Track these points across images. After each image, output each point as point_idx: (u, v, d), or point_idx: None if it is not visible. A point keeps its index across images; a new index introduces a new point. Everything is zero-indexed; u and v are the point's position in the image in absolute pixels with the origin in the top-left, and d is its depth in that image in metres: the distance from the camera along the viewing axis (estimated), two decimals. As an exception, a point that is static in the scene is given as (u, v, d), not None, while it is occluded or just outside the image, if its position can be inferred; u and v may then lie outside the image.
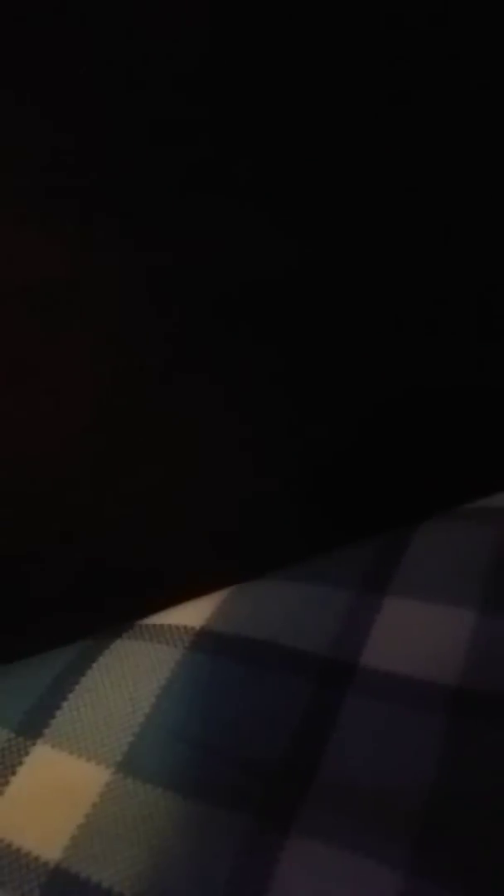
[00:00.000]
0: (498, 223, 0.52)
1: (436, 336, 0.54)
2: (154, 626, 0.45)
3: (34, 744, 0.39)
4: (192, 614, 0.46)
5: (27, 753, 0.39)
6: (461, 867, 0.31)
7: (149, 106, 0.43)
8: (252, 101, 0.45)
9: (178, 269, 0.47)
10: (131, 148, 0.44)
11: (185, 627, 0.44)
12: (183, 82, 0.43)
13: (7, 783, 0.38)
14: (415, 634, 0.41)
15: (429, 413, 0.54)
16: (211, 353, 0.50)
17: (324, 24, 0.44)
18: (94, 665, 0.43)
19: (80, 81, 0.42)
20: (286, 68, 0.45)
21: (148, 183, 0.45)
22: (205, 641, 0.43)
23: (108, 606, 0.49)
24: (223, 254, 0.48)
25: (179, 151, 0.45)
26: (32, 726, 0.40)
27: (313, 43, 0.45)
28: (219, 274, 0.48)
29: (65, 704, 0.41)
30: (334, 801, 0.35)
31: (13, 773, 0.38)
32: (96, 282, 0.46)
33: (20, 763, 0.38)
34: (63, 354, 0.47)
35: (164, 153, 0.45)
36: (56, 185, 0.44)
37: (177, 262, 0.47)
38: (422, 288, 0.52)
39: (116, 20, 0.41)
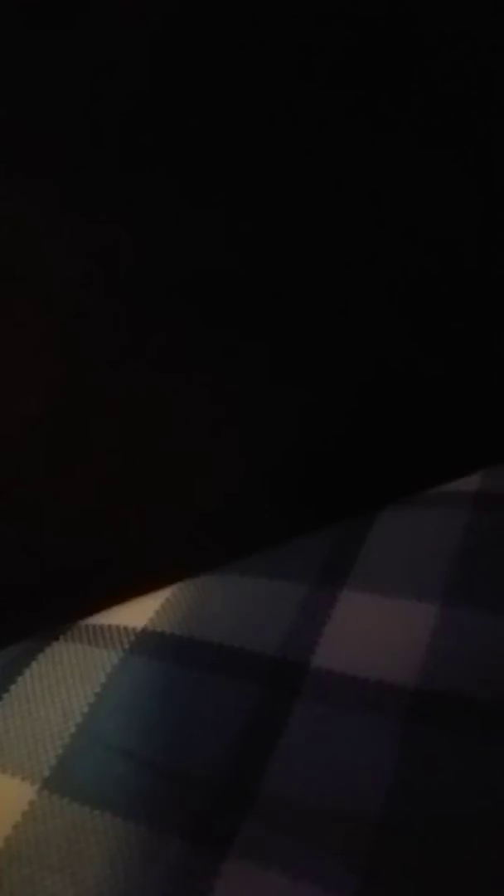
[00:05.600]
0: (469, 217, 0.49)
1: (398, 323, 0.50)
2: (94, 626, 0.42)
3: (-45, 758, 0.36)
4: (137, 613, 0.42)
5: None
6: (412, 894, 0.28)
7: (102, 92, 0.40)
8: (207, 89, 0.42)
9: (138, 253, 0.44)
10: (88, 131, 0.41)
11: (126, 628, 0.41)
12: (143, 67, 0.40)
13: None
14: (372, 631, 0.38)
15: (394, 396, 0.51)
16: (169, 343, 0.47)
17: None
18: (27, 670, 0.40)
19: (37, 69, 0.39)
20: (248, 62, 0.42)
21: (97, 166, 0.42)
22: (146, 643, 0.40)
23: (52, 605, 0.46)
24: (186, 237, 0.44)
25: (133, 135, 0.42)
26: (-45, 739, 0.37)
27: (267, 32, 0.41)
28: (185, 258, 0.45)
29: (-9, 714, 0.38)
30: (278, 819, 0.31)
31: None
32: (46, 263, 0.43)
33: None
34: (12, 337, 0.44)
35: (114, 136, 0.41)
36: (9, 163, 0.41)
37: (136, 246, 0.44)
38: (377, 276, 0.49)
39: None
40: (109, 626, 0.41)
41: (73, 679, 0.39)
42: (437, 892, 0.28)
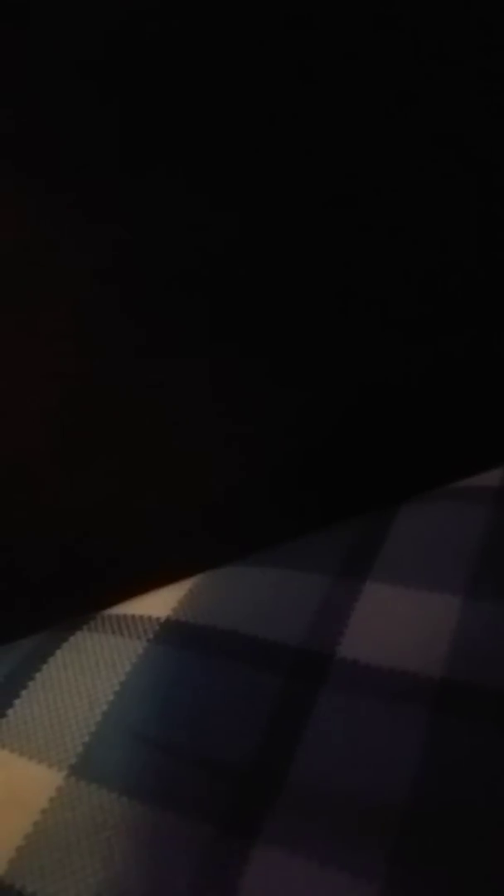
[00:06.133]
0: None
1: (401, 322, 0.51)
2: (117, 616, 0.42)
3: (-19, 745, 0.36)
4: (159, 603, 0.42)
5: (-27, 756, 0.36)
6: (440, 881, 0.28)
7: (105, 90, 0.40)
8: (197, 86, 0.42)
9: (138, 255, 0.44)
10: (89, 131, 0.41)
11: (149, 618, 0.41)
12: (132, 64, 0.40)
13: (-50, 789, 0.34)
14: (396, 623, 0.38)
15: (414, 391, 0.51)
16: (182, 339, 0.47)
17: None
18: (51, 659, 0.40)
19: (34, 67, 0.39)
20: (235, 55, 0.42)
21: (98, 165, 0.42)
22: (170, 633, 0.40)
23: (70, 596, 0.46)
24: (186, 239, 0.45)
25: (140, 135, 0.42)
26: (-20, 726, 0.37)
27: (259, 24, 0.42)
28: (184, 259, 0.45)
29: (17, 702, 0.38)
30: (305, 807, 0.32)
31: (-43, 777, 0.35)
32: (56, 257, 0.43)
33: (-35, 766, 0.35)
34: (24, 331, 0.44)
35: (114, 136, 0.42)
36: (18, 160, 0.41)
37: (136, 248, 0.44)
38: (402, 275, 0.49)
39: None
40: (133, 616, 0.42)
41: (97, 668, 0.39)
42: (463, 880, 0.29)
